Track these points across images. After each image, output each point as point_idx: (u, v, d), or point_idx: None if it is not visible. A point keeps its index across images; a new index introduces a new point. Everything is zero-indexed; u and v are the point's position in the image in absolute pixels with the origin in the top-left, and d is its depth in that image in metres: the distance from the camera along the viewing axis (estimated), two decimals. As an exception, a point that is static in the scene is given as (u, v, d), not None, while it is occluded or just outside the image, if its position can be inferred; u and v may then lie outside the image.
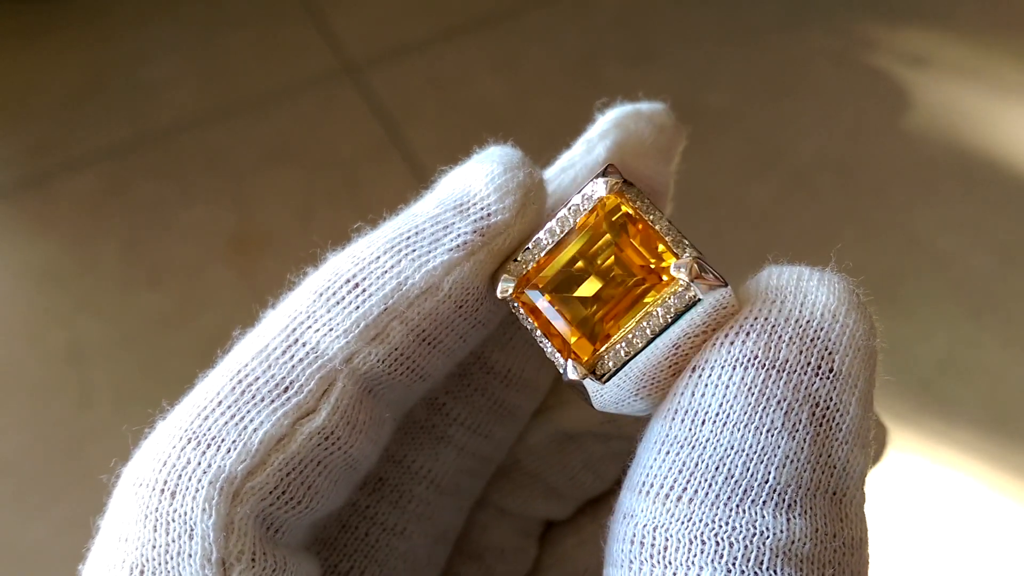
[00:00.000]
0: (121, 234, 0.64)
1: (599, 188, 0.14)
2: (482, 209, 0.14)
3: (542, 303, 0.14)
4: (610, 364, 0.13)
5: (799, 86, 0.70)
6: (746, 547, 0.12)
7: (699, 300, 0.13)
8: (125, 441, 0.14)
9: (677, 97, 0.70)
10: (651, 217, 0.13)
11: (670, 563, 0.12)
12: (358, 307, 0.14)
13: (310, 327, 0.14)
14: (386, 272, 0.14)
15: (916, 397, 0.54)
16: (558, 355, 0.14)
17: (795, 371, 0.12)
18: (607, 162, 0.16)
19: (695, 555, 0.12)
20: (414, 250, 0.14)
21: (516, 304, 0.14)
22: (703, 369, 0.13)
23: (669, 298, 0.13)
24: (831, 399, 0.12)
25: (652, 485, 0.13)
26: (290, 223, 0.64)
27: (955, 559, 0.49)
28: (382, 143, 0.68)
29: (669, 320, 0.13)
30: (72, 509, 0.51)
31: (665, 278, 0.13)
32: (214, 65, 0.75)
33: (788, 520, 0.12)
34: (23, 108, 0.72)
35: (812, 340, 0.12)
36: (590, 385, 0.13)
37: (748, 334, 0.13)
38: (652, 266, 0.13)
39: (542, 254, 0.14)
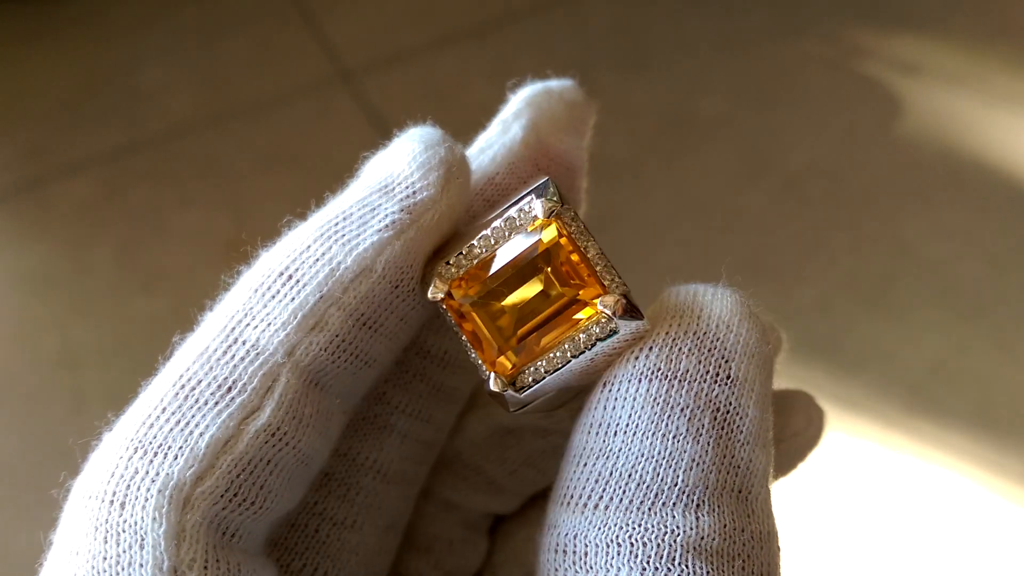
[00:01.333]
0: (116, 239, 0.64)
1: (536, 208, 0.14)
2: (407, 188, 0.15)
3: (470, 313, 0.14)
4: (529, 379, 0.14)
5: (792, 94, 0.71)
6: (659, 545, 0.12)
7: (617, 331, 0.14)
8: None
9: (670, 104, 0.71)
10: (584, 244, 0.14)
11: (591, 567, 0.13)
12: (294, 299, 0.14)
13: (248, 324, 0.14)
14: (318, 260, 0.14)
15: (907, 401, 0.54)
16: (482, 365, 0.14)
17: (695, 380, 0.13)
18: (524, 141, 0.17)
19: (612, 557, 0.13)
20: (343, 235, 0.14)
21: (444, 308, 0.15)
22: (612, 384, 0.14)
23: (592, 327, 0.14)
24: (730, 403, 0.13)
25: (572, 496, 0.13)
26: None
27: (948, 561, 0.49)
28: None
29: (589, 345, 0.14)
30: (65, 514, 0.51)
31: (588, 306, 0.14)
32: (210, 70, 0.75)
33: (697, 518, 0.13)
34: (18, 112, 0.72)
35: (710, 350, 0.13)
36: (509, 396, 0.14)
37: (651, 349, 0.14)
38: (579, 293, 0.14)
39: (474, 262, 0.14)
